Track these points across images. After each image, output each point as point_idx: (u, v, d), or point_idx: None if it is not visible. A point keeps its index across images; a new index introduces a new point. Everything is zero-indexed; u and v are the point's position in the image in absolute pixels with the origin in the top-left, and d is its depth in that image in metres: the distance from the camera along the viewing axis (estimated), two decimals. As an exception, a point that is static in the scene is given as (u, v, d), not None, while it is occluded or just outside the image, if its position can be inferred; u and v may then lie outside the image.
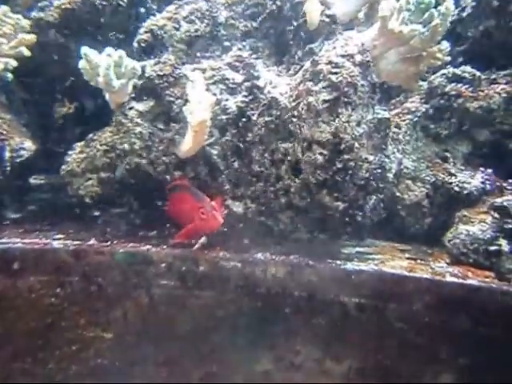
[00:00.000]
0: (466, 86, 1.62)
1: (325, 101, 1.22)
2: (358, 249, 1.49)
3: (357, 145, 1.24)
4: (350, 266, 1.25)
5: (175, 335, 1.21)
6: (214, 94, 1.46)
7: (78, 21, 1.84)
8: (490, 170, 1.49)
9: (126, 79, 1.40)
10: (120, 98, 1.48)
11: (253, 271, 1.24)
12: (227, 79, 1.50)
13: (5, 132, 1.65)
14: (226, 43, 1.64)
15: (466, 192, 1.47)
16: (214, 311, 1.21)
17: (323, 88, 1.23)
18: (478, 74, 1.64)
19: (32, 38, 1.65)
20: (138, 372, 1.22)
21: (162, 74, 1.52)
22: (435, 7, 1.24)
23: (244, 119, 1.42)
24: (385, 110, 1.34)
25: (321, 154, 1.25)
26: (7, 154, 1.63)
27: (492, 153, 1.64)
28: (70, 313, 1.18)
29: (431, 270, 1.24)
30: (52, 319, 1.17)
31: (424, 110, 1.69)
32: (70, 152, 1.58)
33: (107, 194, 1.57)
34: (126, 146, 1.46)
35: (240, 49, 1.63)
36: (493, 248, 1.26)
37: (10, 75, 1.65)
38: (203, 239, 1.34)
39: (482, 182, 1.45)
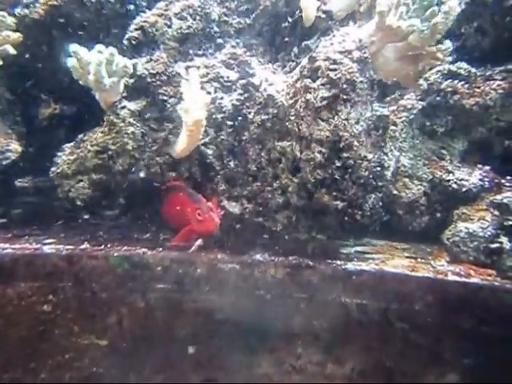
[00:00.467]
0: (462, 83, 1.61)
1: (323, 98, 1.19)
2: (356, 248, 1.47)
3: (356, 143, 1.22)
4: (350, 266, 1.22)
5: (173, 341, 1.17)
6: (209, 93, 1.43)
7: (64, 18, 1.78)
8: (487, 167, 1.48)
9: (117, 77, 1.36)
10: (111, 97, 1.43)
11: (252, 273, 1.21)
12: (222, 77, 1.47)
13: (-10, 134, 1.59)
14: (220, 40, 1.61)
15: (464, 189, 1.46)
16: (213, 315, 1.18)
17: (322, 85, 1.20)
18: (473, 70, 1.63)
19: (18, 36, 1.59)
20: (133, 380, 1.18)
21: (154, 72, 1.48)
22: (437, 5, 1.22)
23: (240, 118, 1.39)
24: (383, 107, 1.32)
25: (320, 152, 1.22)
26: (-7, 156, 1.58)
27: (488, 150, 1.64)
28: (64, 320, 1.13)
29: (433, 268, 1.22)
30: (44, 327, 1.13)
31: (420, 107, 1.67)
32: (59, 153, 1.53)
33: (99, 197, 1.53)
34: (118, 146, 1.42)
35: (234, 46, 1.60)
36: (494, 246, 1.25)
37: (-5, 74, 1.59)
38: (199, 241, 1.30)
39: (481, 179, 1.44)
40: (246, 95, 1.41)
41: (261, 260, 1.25)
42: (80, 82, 1.46)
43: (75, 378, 1.11)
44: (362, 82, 1.21)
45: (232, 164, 1.42)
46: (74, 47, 1.32)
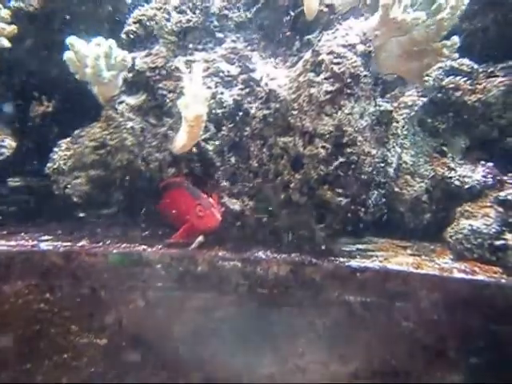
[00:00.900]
0: (464, 79, 1.60)
1: (327, 92, 1.17)
2: (358, 246, 1.45)
3: (360, 138, 1.20)
4: (354, 263, 1.20)
5: (173, 339, 1.14)
6: (209, 88, 1.40)
7: (61, 11, 1.74)
8: (490, 164, 1.47)
9: (116, 71, 1.33)
10: (110, 92, 1.40)
11: (254, 270, 1.19)
12: (222, 72, 1.44)
13: (-16, 129, 1.55)
14: (220, 35, 1.58)
15: (467, 186, 1.45)
16: (215, 314, 1.15)
17: (325, 79, 1.18)
18: (475, 66, 1.62)
19: (13, 28, 1.56)
20: (133, 379, 1.16)
21: (153, 66, 1.45)
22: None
23: (241, 113, 1.37)
24: (387, 102, 1.30)
25: (323, 147, 1.20)
26: (-12, 152, 1.54)
27: (490, 147, 1.62)
28: (61, 318, 1.10)
29: (438, 266, 1.21)
30: (41, 326, 1.10)
31: (421, 103, 1.66)
32: (55, 149, 1.50)
33: (96, 193, 1.50)
34: (116, 141, 1.39)
35: (234, 41, 1.57)
36: (499, 242, 1.23)
37: (-11, 67, 1.56)
38: (200, 238, 1.27)
39: (484, 176, 1.42)
40: (247, 90, 1.38)
41: (263, 257, 1.23)
42: (76, 77, 1.43)
43: (73, 378, 1.08)
44: (366, 76, 1.19)
45: (233, 160, 1.39)
46: (70, 39, 1.29)
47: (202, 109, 1.28)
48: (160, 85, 1.45)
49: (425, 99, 1.66)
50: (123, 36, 1.59)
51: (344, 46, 1.19)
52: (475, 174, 1.46)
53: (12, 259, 1.09)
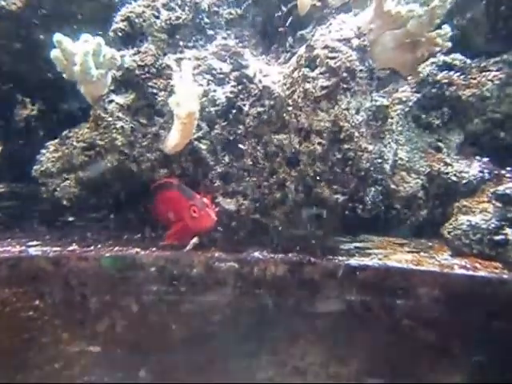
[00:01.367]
0: (458, 74, 1.59)
1: (323, 87, 1.15)
2: (355, 244, 1.43)
3: (356, 134, 1.17)
4: (353, 261, 1.18)
5: (169, 346, 1.11)
6: (201, 85, 1.37)
7: (45, 9, 1.69)
8: (486, 159, 1.46)
9: (105, 69, 1.29)
10: (98, 91, 1.36)
11: (251, 271, 1.16)
12: (214, 69, 1.41)
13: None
14: (210, 32, 1.55)
15: (464, 181, 1.44)
16: (211, 317, 1.12)
17: (321, 74, 1.16)
18: (468, 61, 1.61)
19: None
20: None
21: (143, 64, 1.41)
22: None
23: (234, 111, 1.34)
24: (383, 97, 1.28)
25: (319, 143, 1.18)
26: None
27: (485, 141, 1.62)
28: (51, 326, 1.06)
29: (438, 262, 1.19)
30: (30, 335, 1.05)
31: (415, 99, 1.64)
32: (43, 151, 1.45)
33: (86, 196, 1.45)
34: (106, 142, 1.35)
35: (225, 38, 1.54)
36: (498, 237, 1.22)
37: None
38: (195, 239, 1.24)
39: (480, 171, 1.42)
40: (239, 87, 1.35)
41: (260, 257, 1.20)
42: (64, 76, 1.38)
43: (66, 388, 1.04)
44: (361, 70, 1.17)
45: (227, 159, 1.36)
46: (57, 37, 1.24)
47: (194, 106, 1.25)
48: (150, 83, 1.41)
49: (419, 95, 1.65)
50: (111, 34, 1.54)
51: (339, 40, 1.17)
52: (472, 169, 1.45)
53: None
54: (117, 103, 1.39)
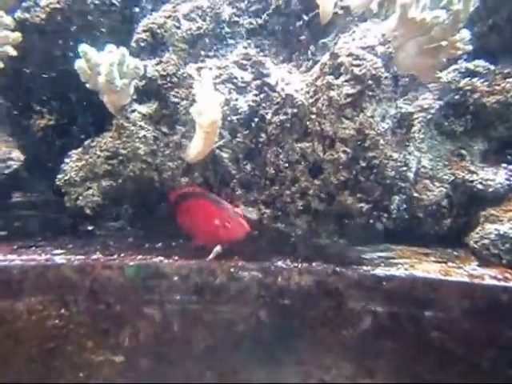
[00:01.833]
0: (481, 81, 1.57)
1: (348, 95, 1.14)
2: (378, 253, 1.41)
3: (382, 141, 1.16)
4: (379, 271, 1.16)
5: (194, 355, 1.09)
6: (222, 93, 1.37)
7: (67, 22, 1.72)
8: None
9: (128, 79, 1.30)
10: (121, 100, 1.37)
11: (275, 280, 1.14)
12: (235, 78, 1.41)
13: (-9, 141, 1.52)
14: (231, 41, 1.56)
15: (490, 190, 1.40)
16: (236, 327, 1.11)
17: (345, 81, 1.15)
18: (492, 67, 1.59)
19: (17, 36, 1.53)
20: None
21: (165, 74, 1.42)
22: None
23: (256, 119, 1.33)
24: (408, 104, 1.26)
25: (344, 151, 1.16)
26: (-4, 165, 1.51)
27: (510, 148, 1.59)
28: (77, 335, 1.06)
29: (466, 272, 1.16)
30: (56, 343, 1.05)
31: (437, 106, 1.62)
32: (66, 160, 1.47)
33: (108, 204, 1.46)
34: (129, 151, 1.35)
35: (245, 47, 1.54)
36: (529, 247, 1.19)
37: (-5, 77, 1.53)
38: (218, 248, 1.23)
39: (507, 179, 1.38)
40: (261, 95, 1.35)
41: (283, 267, 1.19)
42: (87, 86, 1.40)
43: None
44: (386, 77, 1.16)
45: (249, 167, 1.36)
46: (83, 47, 1.26)
47: (216, 114, 1.25)
48: (172, 92, 1.42)
49: (441, 102, 1.62)
50: (133, 45, 1.56)
51: (363, 47, 1.16)
52: (498, 176, 1.42)
53: (26, 274, 1.05)
54: (139, 112, 1.40)
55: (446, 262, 1.27)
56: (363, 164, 1.18)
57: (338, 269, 1.16)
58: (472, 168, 1.52)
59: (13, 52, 1.51)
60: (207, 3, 1.59)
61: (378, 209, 1.23)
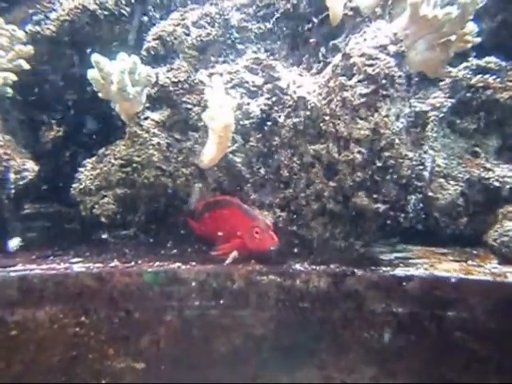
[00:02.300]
0: (493, 77, 1.55)
1: (362, 95, 1.14)
2: (396, 254, 1.40)
3: (397, 141, 1.15)
4: (399, 271, 1.14)
5: (214, 361, 1.09)
6: (234, 98, 1.37)
7: (77, 33, 1.74)
8: (528, 163, 1.41)
9: (141, 86, 1.31)
10: (133, 108, 1.38)
11: (293, 283, 1.13)
12: (247, 82, 1.42)
13: (8, 152, 1.54)
14: (240, 46, 1.56)
15: (507, 186, 1.39)
16: (256, 331, 1.10)
17: (359, 82, 1.15)
18: (503, 63, 1.58)
19: (29, 49, 1.55)
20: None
21: (176, 80, 1.43)
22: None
23: (269, 122, 1.33)
24: (422, 103, 1.25)
25: (359, 152, 1.16)
26: (12, 176, 1.52)
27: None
28: (97, 343, 1.06)
29: (488, 271, 1.14)
30: (78, 351, 1.05)
31: (449, 104, 1.61)
32: (81, 169, 1.48)
33: (122, 212, 1.46)
34: (143, 158, 1.36)
35: (255, 51, 1.55)
36: (550, 243, 1.17)
37: (10, 90, 1.55)
38: (235, 253, 1.23)
39: (524, 175, 1.36)
40: (273, 99, 1.35)
41: (301, 270, 1.18)
42: (100, 95, 1.41)
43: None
44: (400, 76, 1.15)
45: (262, 171, 1.35)
46: (95, 57, 1.27)
47: (229, 118, 1.25)
48: (183, 99, 1.43)
49: (452, 100, 1.61)
50: (144, 53, 1.58)
51: (375, 47, 1.16)
52: (515, 173, 1.40)
53: (46, 282, 1.05)
54: (152, 119, 1.41)
55: (465, 261, 1.26)
56: (379, 164, 1.17)
57: (356, 270, 1.14)
58: (487, 165, 1.51)
59: (26, 65, 1.54)
60: (215, 10, 1.60)
61: (395, 209, 1.22)
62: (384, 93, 1.13)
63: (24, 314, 1.03)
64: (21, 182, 1.65)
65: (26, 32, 1.66)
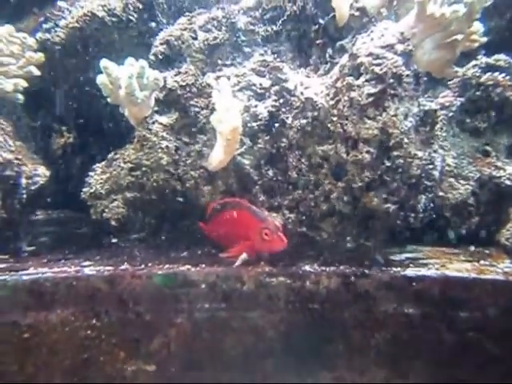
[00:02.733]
0: (503, 75, 1.54)
1: (369, 94, 1.13)
2: (406, 255, 1.38)
3: (406, 140, 1.14)
4: (410, 272, 1.13)
5: (225, 363, 1.09)
6: (241, 100, 1.38)
7: (86, 40, 1.77)
8: (541, 161, 1.39)
9: (149, 90, 1.32)
10: (142, 112, 1.39)
11: (303, 285, 1.13)
12: (254, 85, 1.42)
13: (20, 157, 1.56)
14: (247, 49, 1.57)
15: (520, 185, 1.37)
16: (267, 334, 1.09)
17: (366, 81, 1.14)
18: (513, 61, 1.56)
19: (40, 56, 1.58)
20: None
21: (184, 84, 1.44)
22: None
23: (277, 124, 1.34)
24: (431, 101, 1.24)
25: (368, 152, 1.15)
26: (24, 181, 1.54)
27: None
28: (109, 345, 1.06)
29: (501, 270, 1.13)
30: (89, 354, 1.06)
31: (459, 103, 1.60)
32: (91, 174, 1.49)
33: (133, 216, 1.47)
34: (152, 162, 1.37)
35: (262, 54, 1.55)
36: None
37: (20, 97, 1.57)
38: (244, 255, 1.22)
39: (537, 174, 1.35)
40: (281, 101, 1.35)
41: (311, 271, 1.17)
42: (108, 100, 1.43)
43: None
44: (407, 75, 1.15)
45: (271, 173, 1.35)
46: (104, 62, 1.28)
47: (237, 121, 1.26)
48: (191, 102, 1.44)
49: (462, 99, 1.60)
50: (151, 57, 1.59)
51: (382, 46, 1.16)
52: (527, 171, 1.38)
53: (57, 286, 1.06)
54: (160, 123, 1.42)
55: (477, 261, 1.24)
56: (388, 164, 1.16)
57: (366, 271, 1.14)
58: (498, 164, 1.49)
59: (37, 72, 1.56)
60: (222, 14, 1.61)
61: (405, 209, 1.21)
62: (392, 92, 1.12)
63: (36, 317, 1.04)
64: (32, 187, 1.67)
65: (37, 39, 1.69)
